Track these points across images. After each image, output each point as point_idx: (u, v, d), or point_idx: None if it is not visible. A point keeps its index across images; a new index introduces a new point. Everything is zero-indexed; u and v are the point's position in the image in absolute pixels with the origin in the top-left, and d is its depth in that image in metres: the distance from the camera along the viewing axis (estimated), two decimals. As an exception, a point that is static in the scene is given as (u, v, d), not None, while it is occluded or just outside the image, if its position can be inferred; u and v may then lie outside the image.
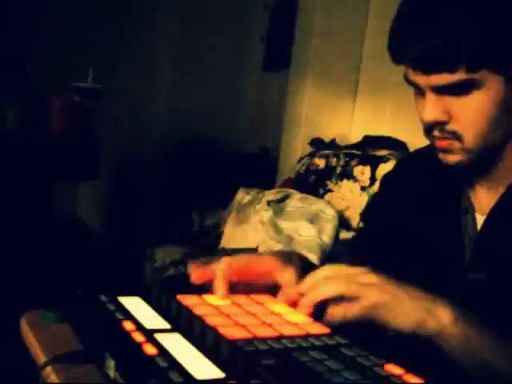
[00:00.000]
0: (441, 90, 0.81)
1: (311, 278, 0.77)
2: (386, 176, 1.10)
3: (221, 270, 0.81)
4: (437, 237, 0.94)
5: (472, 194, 0.92)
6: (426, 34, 0.78)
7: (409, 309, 0.72)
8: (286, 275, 0.84)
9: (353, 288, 0.73)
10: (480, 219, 0.90)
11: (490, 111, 0.81)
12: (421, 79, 0.81)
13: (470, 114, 0.81)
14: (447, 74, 0.78)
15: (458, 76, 0.78)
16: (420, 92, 0.84)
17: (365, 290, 0.72)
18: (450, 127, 0.82)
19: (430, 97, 0.82)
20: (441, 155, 0.86)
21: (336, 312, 0.73)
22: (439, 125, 0.83)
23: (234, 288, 0.82)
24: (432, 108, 0.82)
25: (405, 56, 0.82)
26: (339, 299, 0.73)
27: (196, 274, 0.84)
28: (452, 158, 0.85)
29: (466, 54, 0.76)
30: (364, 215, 1.13)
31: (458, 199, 0.93)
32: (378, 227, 1.05)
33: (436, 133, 0.84)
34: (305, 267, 0.87)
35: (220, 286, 0.80)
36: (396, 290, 0.73)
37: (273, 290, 0.84)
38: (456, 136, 0.83)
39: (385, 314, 0.72)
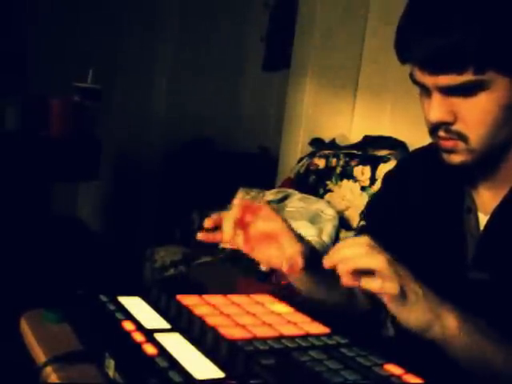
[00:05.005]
0: (447, 91, 0.80)
1: (346, 244, 0.76)
2: (389, 174, 1.10)
3: (232, 207, 0.85)
4: (439, 235, 0.94)
5: (475, 193, 0.92)
6: (434, 34, 0.77)
7: (422, 309, 0.73)
8: (281, 223, 0.88)
9: (392, 272, 0.72)
10: (483, 218, 0.90)
11: (495, 112, 0.80)
12: (428, 79, 0.81)
13: (476, 115, 0.81)
14: (455, 75, 0.78)
15: (466, 77, 0.78)
16: (426, 92, 0.84)
17: (400, 279, 0.72)
18: (456, 128, 0.82)
19: (437, 97, 0.81)
20: (445, 155, 0.86)
21: (372, 284, 0.72)
22: (445, 125, 0.83)
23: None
24: (438, 108, 0.82)
25: (412, 55, 0.81)
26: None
27: (210, 218, 0.86)
28: (456, 158, 0.85)
29: (474, 55, 0.76)
30: (365, 213, 1.12)
31: (460, 198, 0.93)
32: (380, 225, 1.04)
33: (441, 133, 0.84)
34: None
35: (228, 222, 0.83)
36: (418, 288, 0.73)
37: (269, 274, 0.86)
38: (461, 137, 0.83)
39: (402, 307, 0.73)
